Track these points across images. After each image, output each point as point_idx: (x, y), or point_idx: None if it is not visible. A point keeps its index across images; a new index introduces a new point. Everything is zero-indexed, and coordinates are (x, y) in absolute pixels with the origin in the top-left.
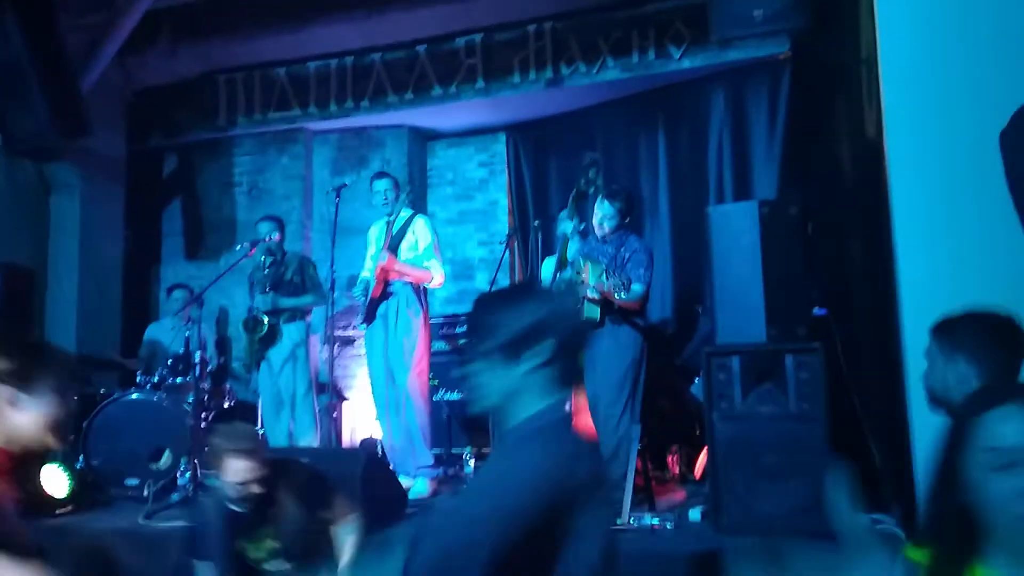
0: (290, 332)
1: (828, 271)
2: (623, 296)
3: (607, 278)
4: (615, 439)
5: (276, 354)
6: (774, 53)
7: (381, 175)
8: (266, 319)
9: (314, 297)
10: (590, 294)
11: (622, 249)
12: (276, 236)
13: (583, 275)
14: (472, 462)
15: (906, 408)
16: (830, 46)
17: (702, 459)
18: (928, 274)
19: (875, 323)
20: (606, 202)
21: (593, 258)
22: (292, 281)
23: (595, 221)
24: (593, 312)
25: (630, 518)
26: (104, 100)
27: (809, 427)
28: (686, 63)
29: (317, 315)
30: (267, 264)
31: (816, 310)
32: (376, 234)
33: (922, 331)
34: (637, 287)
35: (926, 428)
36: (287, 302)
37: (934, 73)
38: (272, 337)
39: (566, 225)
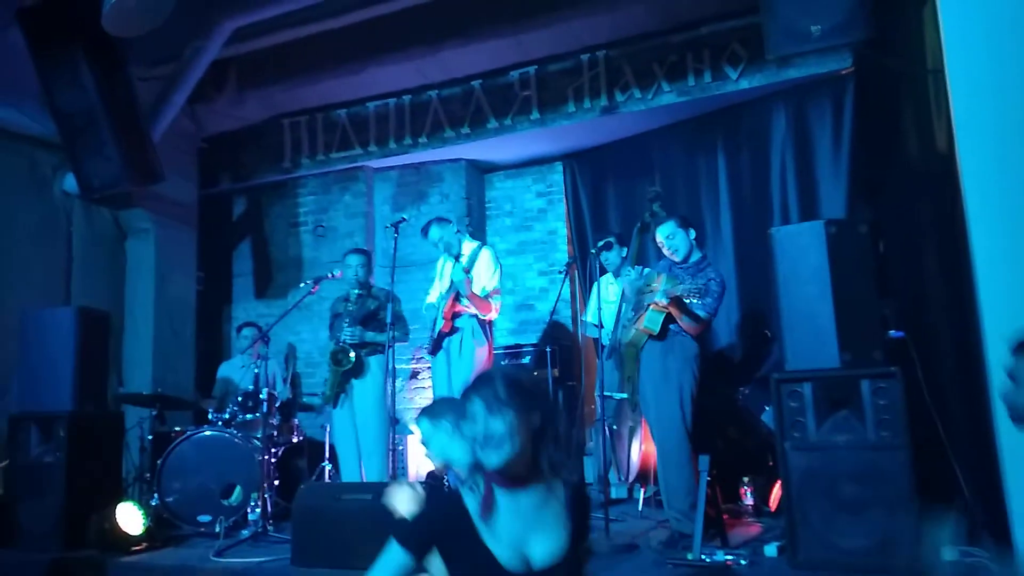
0: (371, 366)
1: (903, 291)
2: (694, 305)
3: (682, 291)
4: (677, 463)
5: (358, 387)
6: (836, 69)
7: (427, 226)
8: (352, 352)
9: (399, 333)
10: (659, 300)
11: (699, 276)
12: (361, 271)
13: (654, 285)
14: None
15: (994, 433)
16: (894, 58)
17: (777, 491)
18: (1010, 290)
19: (956, 344)
20: (680, 231)
21: (670, 273)
22: (379, 316)
23: (666, 249)
24: (656, 320)
25: (701, 553)
26: (175, 147)
27: (890, 456)
28: (744, 83)
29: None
30: (355, 298)
31: (892, 332)
32: (442, 265)
33: (1007, 350)
34: (701, 313)
35: (1017, 454)
36: (373, 336)
37: (1005, 81)
38: (357, 370)
39: (627, 271)
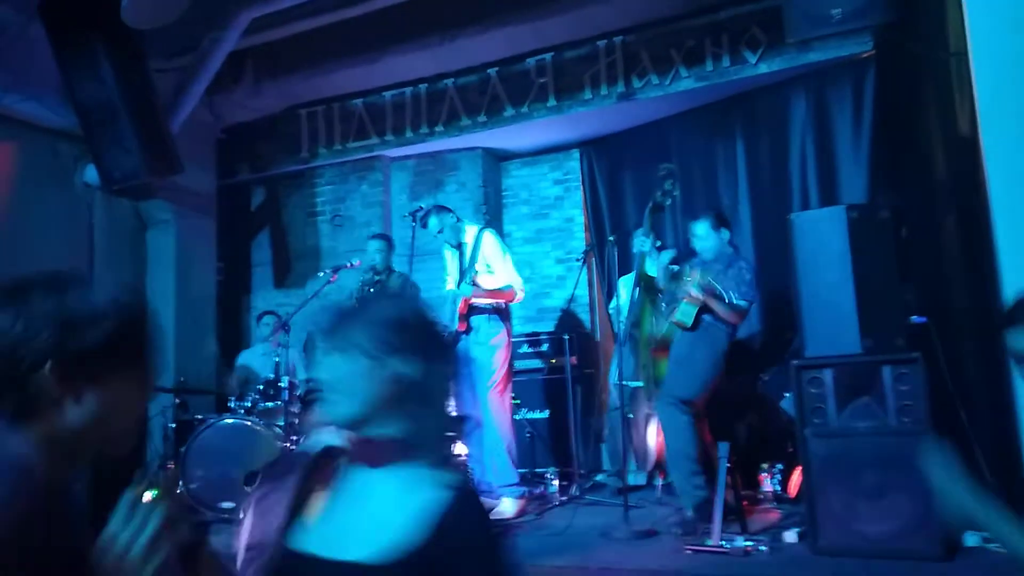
0: None
1: (925, 276)
2: (730, 297)
3: (716, 282)
4: (674, 430)
5: None
6: (856, 52)
7: (425, 216)
8: None
9: None
10: (693, 291)
11: (730, 269)
12: (378, 256)
13: (691, 277)
14: (556, 481)
15: (1016, 418)
16: (916, 41)
17: (796, 477)
18: None
19: (979, 329)
20: (713, 233)
21: (705, 267)
22: None
23: (695, 245)
24: (688, 313)
25: (721, 540)
26: (194, 138)
27: (912, 442)
28: (763, 68)
29: None
30: (373, 282)
31: (914, 318)
32: (450, 257)
33: None
34: (742, 302)
35: None
36: None
37: None
38: None
39: (643, 242)
